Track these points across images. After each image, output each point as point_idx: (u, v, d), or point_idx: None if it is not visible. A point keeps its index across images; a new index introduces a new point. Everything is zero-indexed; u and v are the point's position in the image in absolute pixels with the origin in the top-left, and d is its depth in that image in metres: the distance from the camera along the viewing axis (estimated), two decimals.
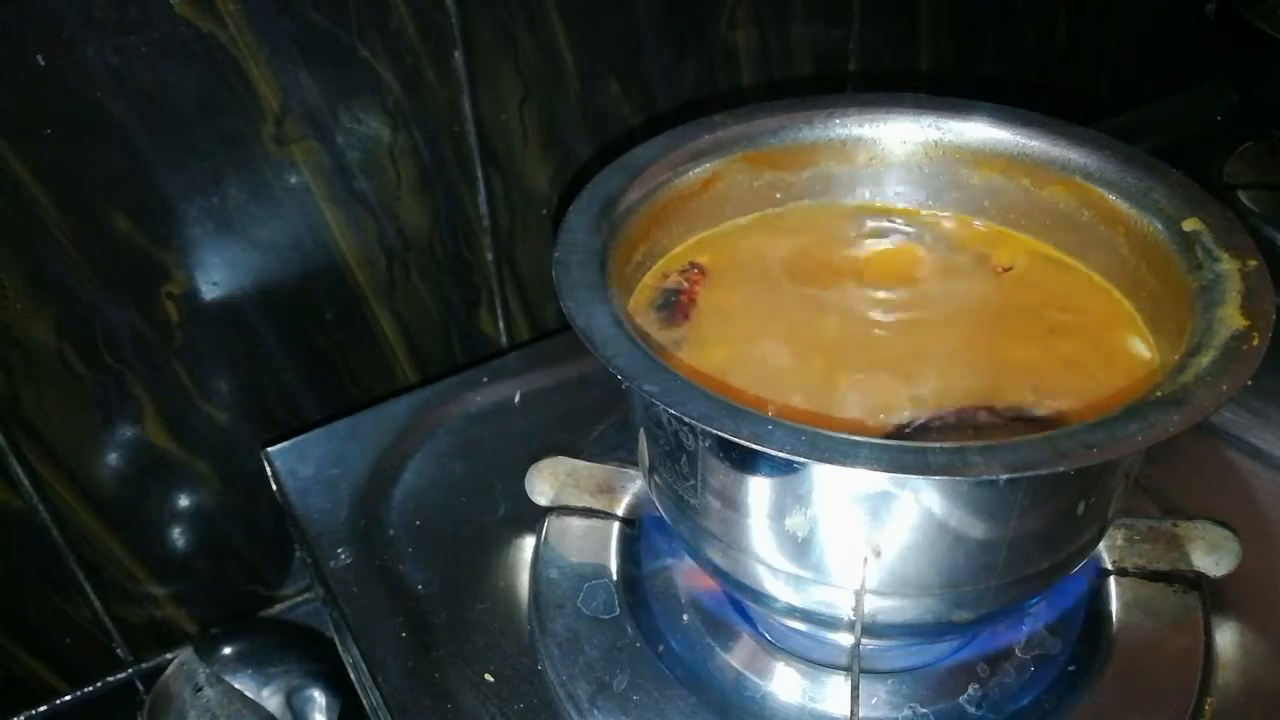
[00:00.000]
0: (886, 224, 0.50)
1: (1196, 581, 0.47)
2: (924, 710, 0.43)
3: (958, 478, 0.31)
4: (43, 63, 0.45)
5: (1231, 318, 0.37)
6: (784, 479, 0.37)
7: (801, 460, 0.32)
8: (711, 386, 0.35)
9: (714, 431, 0.33)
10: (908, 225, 0.49)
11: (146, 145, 0.49)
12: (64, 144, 0.47)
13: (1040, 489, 0.36)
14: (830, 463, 0.32)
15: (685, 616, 0.47)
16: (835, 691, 0.44)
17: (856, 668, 0.40)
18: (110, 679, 0.63)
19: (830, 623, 0.41)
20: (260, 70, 0.50)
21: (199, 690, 0.59)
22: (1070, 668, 0.44)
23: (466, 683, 0.45)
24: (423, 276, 0.61)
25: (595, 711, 0.43)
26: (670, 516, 0.43)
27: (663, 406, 0.34)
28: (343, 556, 0.51)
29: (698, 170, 0.47)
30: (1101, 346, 0.43)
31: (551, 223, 0.63)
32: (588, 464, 0.51)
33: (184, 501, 0.60)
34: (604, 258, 0.41)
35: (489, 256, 0.62)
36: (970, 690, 0.43)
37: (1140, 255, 0.44)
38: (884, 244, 0.49)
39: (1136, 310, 0.44)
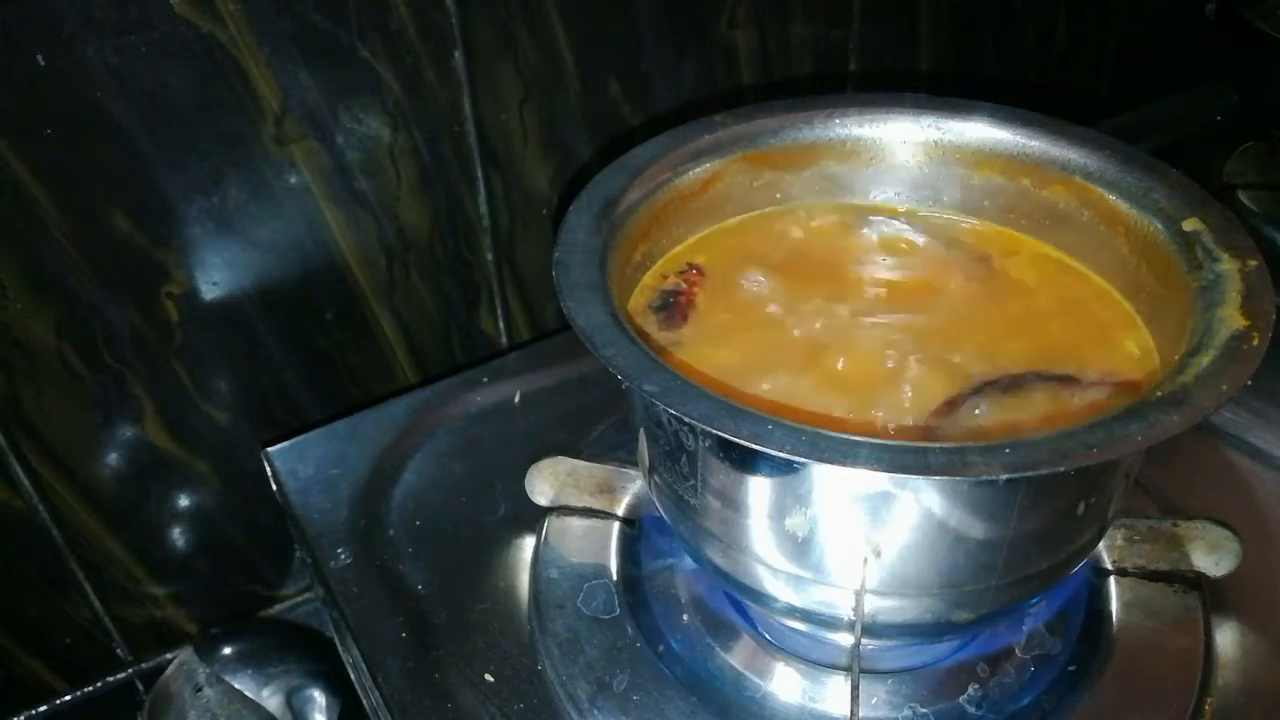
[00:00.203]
0: (886, 224, 0.50)
1: (1196, 581, 0.47)
2: (924, 710, 0.43)
3: (958, 478, 0.31)
4: (43, 63, 0.45)
5: (1231, 318, 0.37)
6: (784, 479, 0.37)
7: (801, 460, 0.32)
8: (712, 386, 0.35)
9: (714, 431, 0.33)
10: (907, 225, 0.49)
11: (147, 145, 0.49)
12: (64, 144, 0.47)
13: (1040, 489, 0.36)
14: (830, 463, 0.32)
15: (685, 616, 0.47)
16: (835, 691, 0.44)
17: (856, 668, 0.40)
18: (110, 679, 0.63)
19: (830, 623, 0.41)
20: (260, 70, 0.50)
21: (199, 690, 0.59)
22: (1070, 668, 0.44)
23: (466, 683, 0.45)
24: (423, 276, 0.61)
25: (595, 711, 0.43)
26: (670, 516, 0.43)
27: (663, 406, 0.34)
28: (343, 556, 0.51)
29: (698, 170, 0.47)
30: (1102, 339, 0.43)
31: (551, 223, 0.63)
32: (588, 464, 0.51)
33: (184, 501, 0.60)
34: (604, 258, 0.41)
35: (489, 256, 0.62)
36: (970, 690, 0.43)
37: (1140, 255, 0.44)
38: (883, 244, 0.49)
39: (1136, 310, 0.44)
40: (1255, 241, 0.39)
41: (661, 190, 0.46)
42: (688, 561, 0.48)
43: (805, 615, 0.41)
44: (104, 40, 0.46)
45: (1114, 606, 0.46)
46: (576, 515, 0.51)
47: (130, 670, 0.63)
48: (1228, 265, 0.39)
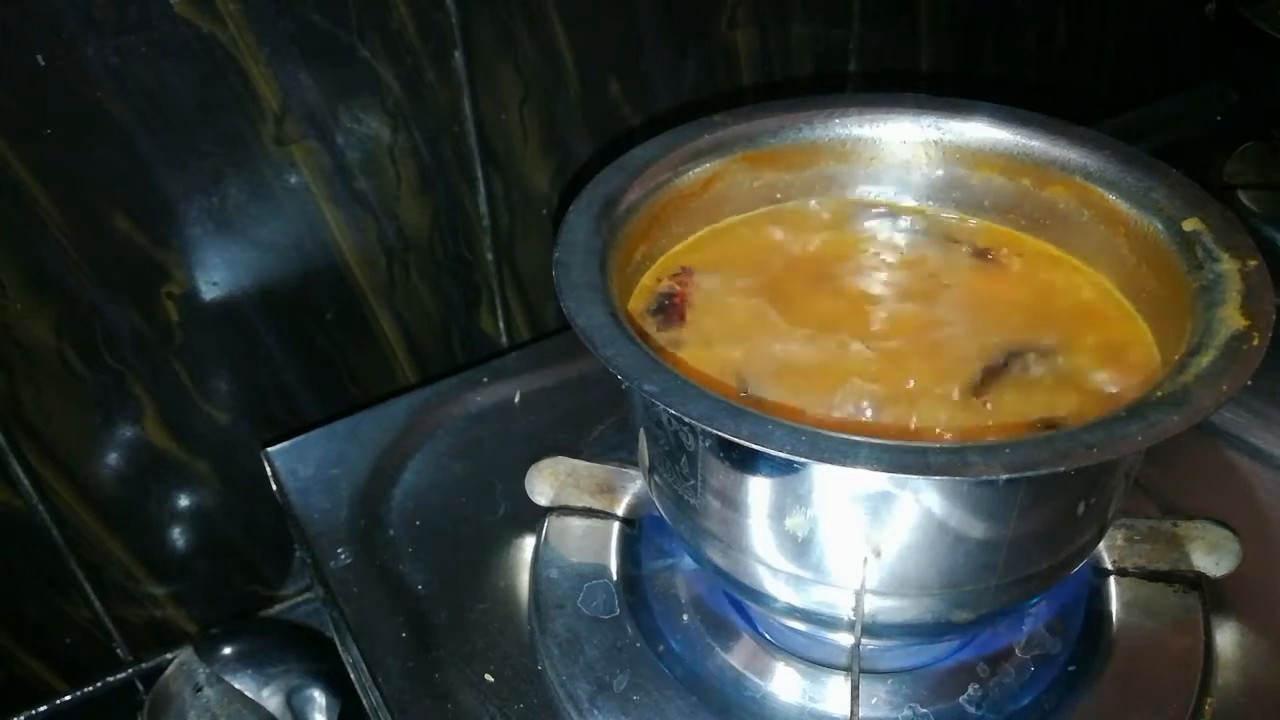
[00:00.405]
0: (885, 223, 0.50)
1: (1196, 581, 0.47)
2: (924, 710, 0.43)
3: (958, 478, 0.31)
4: (43, 63, 0.45)
5: (1231, 318, 0.37)
6: (784, 479, 0.37)
7: (801, 460, 0.32)
8: (714, 387, 0.35)
9: (714, 431, 0.33)
10: (907, 225, 0.49)
11: (146, 145, 0.49)
12: (64, 144, 0.47)
13: (1040, 489, 0.36)
14: (830, 463, 0.32)
15: (685, 616, 0.47)
16: (835, 691, 0.44)
17: (856, 668, 0.40)
18: (110, 679, 0.63)
19: (830, 623, 0.41)
20: (260, 70, 0.50)
21: (199, 690, 0.59)
22: (1070, 668, 0.44)
23: (466, 683, 0.45)
24: (423, 276, 0.61)
25: (595, 711, 0.43)
26: (670, 516, 0.43)
27: (663, 406, 0.34)
28: (343, 556, 0.51)
29: (698, 170, 0.47)
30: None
31: (551, 222, 0.63)
32: (588, 464, 0.51)
33: (184, 501, 0.60)
34: (604, 258, 0.41)
35: (489, 256, 0.62)
36: (970, 690, 0.43)
37: (1140, 255, 0.44)
38: (882, 243, 0.49)
39: (1136, 310, 0.44)
40: (1255, 241, 0.39)
41: (662, 190, 0.46)
42: (688, 561, 0.48)
43: (805, 615, 0.41)
44: (104, 40, 0.46)
45: (1114, 606, 0.46)
46: (576, 515, 0.51)
47: (130, 670, 0.63)
48: (1228, 265, 0.39)
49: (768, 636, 0.46)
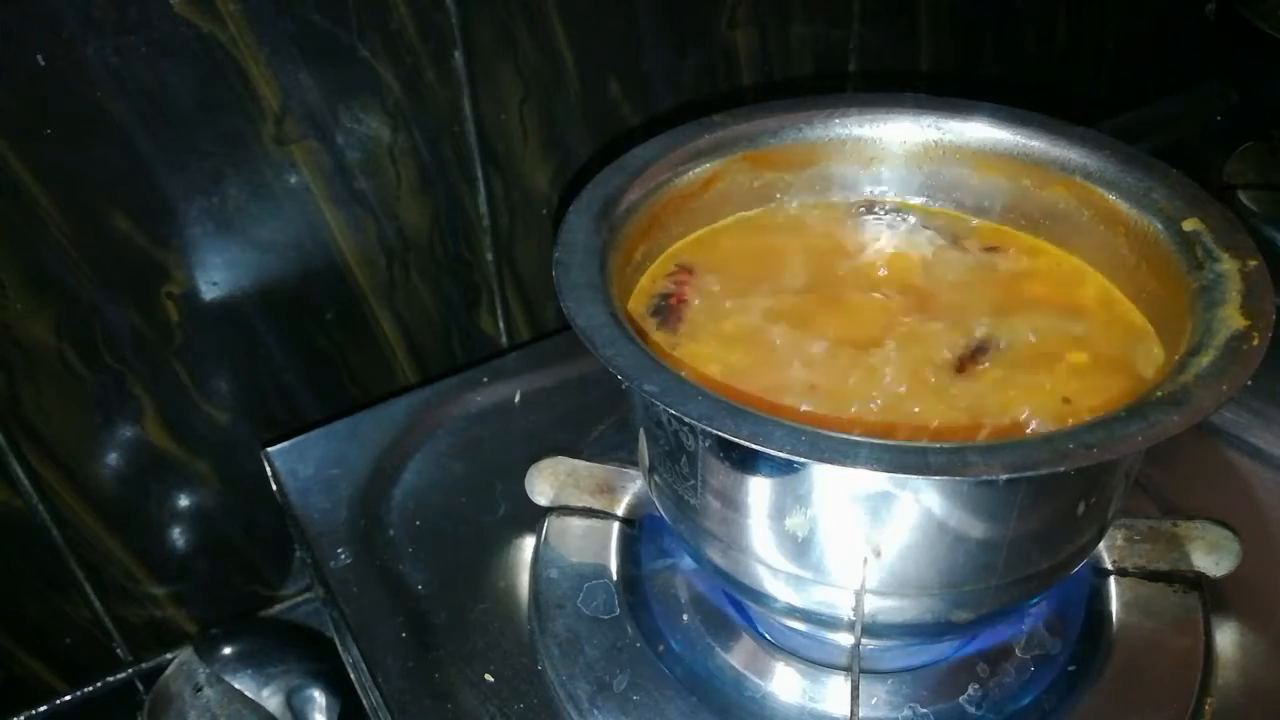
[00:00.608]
0: (886, 224, 0.50)
1: (1196, 581, 0.47)
2: (924, 710, 0.43)
3: (958, 478, 0.31)
4: (43, 63, 0.45)
5: (1231, 318, 0.37)
6: (784, 479, 0.37)
7: (801, 460, 0.32)
8: (714, 386, 0.35)
9: (714, 431, 0.33)
10: (906, 225, 0.49)
11: (146, 145, 0.49)
12: (64, 144, 0.47)
13: (1040, 489, 0.36)
14: (830, 463, 0.32)
15: (685, 616, 0.47)
16: (835, 691, 0.44)
17: (856, 668, 0.40)
18: (110, 679, 0.63)
19: (830, 623, 0.41)
20: (260, 70, 0.50)
21: (199, 690, 0.59)
22: (1070, 668, 0.44)
23: (466, 683, 0.45)
24: (423, 276, 0.61)
25: (595, 711, 0.43)
26: (670, 516, 0.43)
27: (663, 406, 0.34)
28: (343, 556, 0.51)
29: (698, 170, 0.47)
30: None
31: (551, 223, 0.63)
32: (588, 464, 0.51)
33: (184, 501, 0.60)
34: (604, 258, 0.41)
35: (489, 256, 0.62)
36: (970, 690, 0.43)
37: (1140, 255, 0.44)
38: (882, 243, 0.49)
39: (1137, 309, 0.44)
40: (1255, 241, 0.40)
41: (662, 190, 0.46)
42: (688, 561, 0.48)
43: (805, 615, 0.41)
44: (104, 40, 0.46)
45: (1114, 606, 0.46)
46: (576, 515, 0.51)
47: (130, 670, 0.63)
48: (1228, 265, 0.39)
49: (768, 636, 0.46)
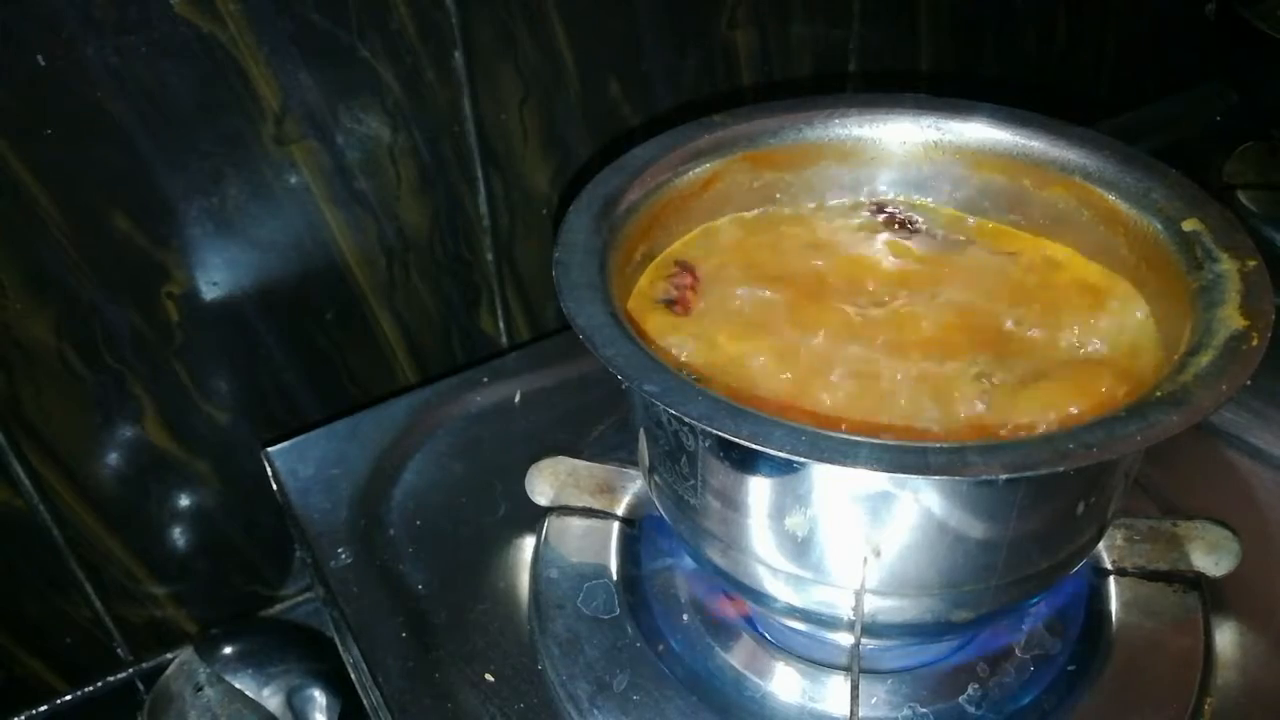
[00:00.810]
0: (885, 223, 0.50)
1: (1196, 581, 0.47)
2: (924, 710, 0.43)
3: (957, 478, 0.31)
4: (43, 63, 0.45)
5: (1231, 318, 0.37)
6: (784, 479, 0.37)
7: (801, 460, 0.32)
8: (713, 387, 0.35)
9: (714, 431, 0.33)
10: (906, 224, 0.49)
11: (147, 145, 0.49)
12: (64, 144, 0.47)
13: (1040, 489, 0.36)
14: (830, 463, 0.32)
15: (685, 616, 0.47)
16: (835, 691, 0.44)
17: (856, 667, 0.40)
18: (111, 679, 0.63)
19: (830, 622, 0.41)
20: (260, 70, 0.50)
21: (199, 690, 0.59)
22: (1070, 668, 0.44)
23: (467, 682, 0.45)
24: (423, 276, 0.61)
25: (595, 711, 0.43)
26: (670, 516, 0.43)
27: (663, 406, 0.34)
28: (343, 556, 0.51)
29: (698, 170, 0.47)
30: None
31: (551, 223, 0.63)
32: (588, 464, 0.51)
33: (184, 501, 0.60)
34: (604, 258, 0.41)
35: (489, 256, 0.62)
36: (970, 690, 0.43)
37: (1140, 255, 0.44)
38: (882, 243, 0.49)
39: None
40: (1255, 242, 0.40)
41: (661, 190, 0.46)
42: (688, 561, 0.48)
43: (805, 615, 0.41)
44: (104, 40, 0.46)
45: (1114, 606, 0.46)
46: (576, 515, 0.51)
47: (131, 670, 0.63)
48: (1227, 265, 0.39)
49: (768, 636, 0.46)
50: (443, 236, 0.60)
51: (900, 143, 0.49)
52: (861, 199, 0.50)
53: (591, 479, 0.51)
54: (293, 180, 0.54)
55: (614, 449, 0.54)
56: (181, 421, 0.57)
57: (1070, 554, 0.40)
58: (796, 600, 0.40)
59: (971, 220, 0.49)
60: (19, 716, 0.61)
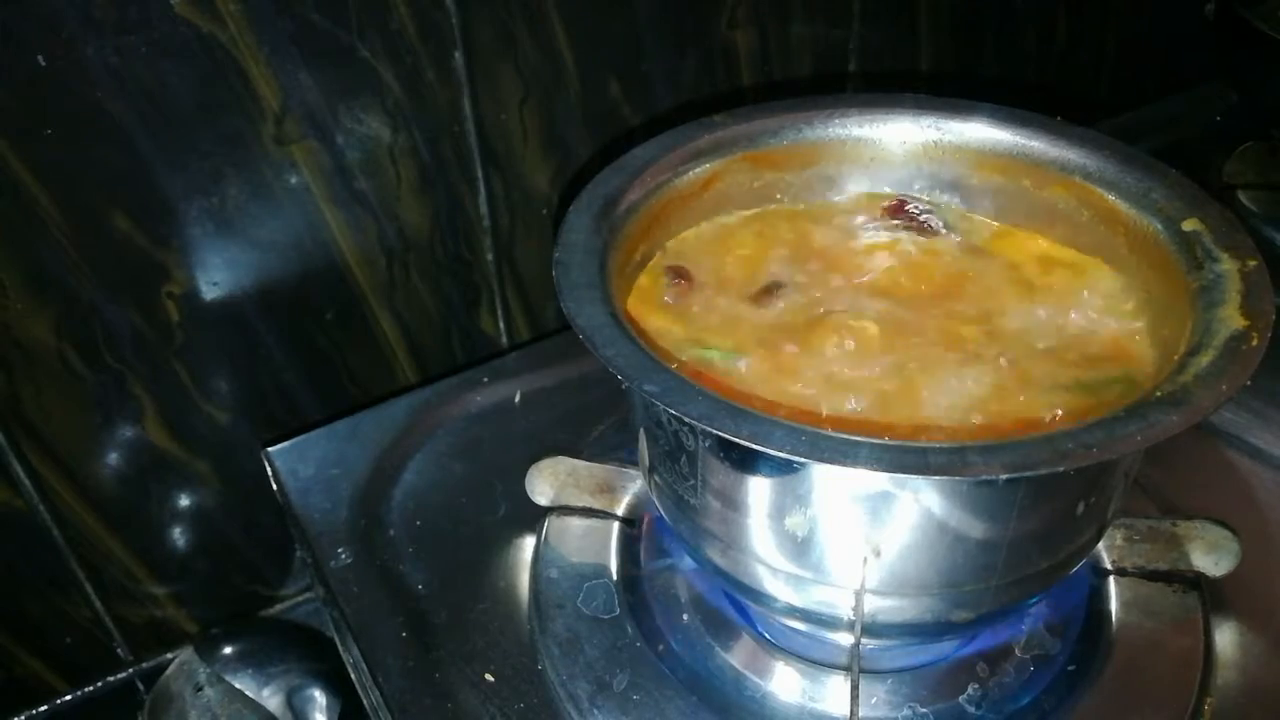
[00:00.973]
0: (884, 223, 0.50)
1: (1196, 581, 0.47)
2: (924, 710, 0.43)
3: (957, 478, 0.31)
4: (43, 63, 0.45)
5: (1231, 318, 0.37)
6: (784, 479, 0.37)
7: (801, 460, 0.32)
8: (713, 387, 0.35)
9: (714, 431, 0.33)
10: (906, 224, 0.49)
11: (147, 145, 0.49)
12: (64, 144, 0.47)
13: (1040, 489, 0.36)
14: (830, 463, 0.32)
15: (685, 616, 0.47)
16: (835, 691, 0.44)
17: (856, 667, 0.40)
18: (111, 679, 0.63)
19: (830, 622, 0.41)
20: (260, 70, 0.50)
21: (199, 690, 0.59)
22: (1070, 668, 0.44)
23: (467, 682, 0.46)
24: (423, 276, 0.61)
25: (595, 711, 0.43)
26: (670, 516, 0.43)
27: (663, 406, 0.34)
28: (343, 556, 0.51)
29: (698, 170, 0.47)
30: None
31: (551, 223, 0.63)
32: (588, 464, 0.52)
33: (184, 501, 0.60)
34: (604, 258, 0.41)
35: (489, 256, 0.62)
36: (970, 690, 0.43)
37: (1140, 255, 0.44)
38: (881, 243, 0.49)
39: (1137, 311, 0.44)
40: (1255, 242, 0.40)
41: (662, 190, 0.46)
42: (688, 561, 0.48)
43: (805, 615, 0.41)
44: (104, 40, 0.46)
45: (1113, 606, 0.46)
46: (576, 515, 0.51)
47: (131, 670, 0.63)
48: (1227, 265, 0.39)
49: (767, 636, 0.46)
50: (443, 236, 0.60)
51: (900, 143, 0.49)
52: (860, 199, 0.50)
53: (591, 479, 0.51)
54: (293, 180, 0.54)
55: (614, 449, 0.54)
56: (182, 421, 0.57)
57: (1070, 554, 0.40)
58: (796, 600, 0.40)
59: (974, 220, 0.49)
60: (19, 716, 0.61)
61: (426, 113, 0.55)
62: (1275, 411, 0.55)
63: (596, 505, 0.51)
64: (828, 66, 0.68)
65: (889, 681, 0.44)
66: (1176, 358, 0.36)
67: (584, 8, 0.57)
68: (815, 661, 0.44)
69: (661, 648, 0.46)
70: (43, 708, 0.62)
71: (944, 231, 0.48)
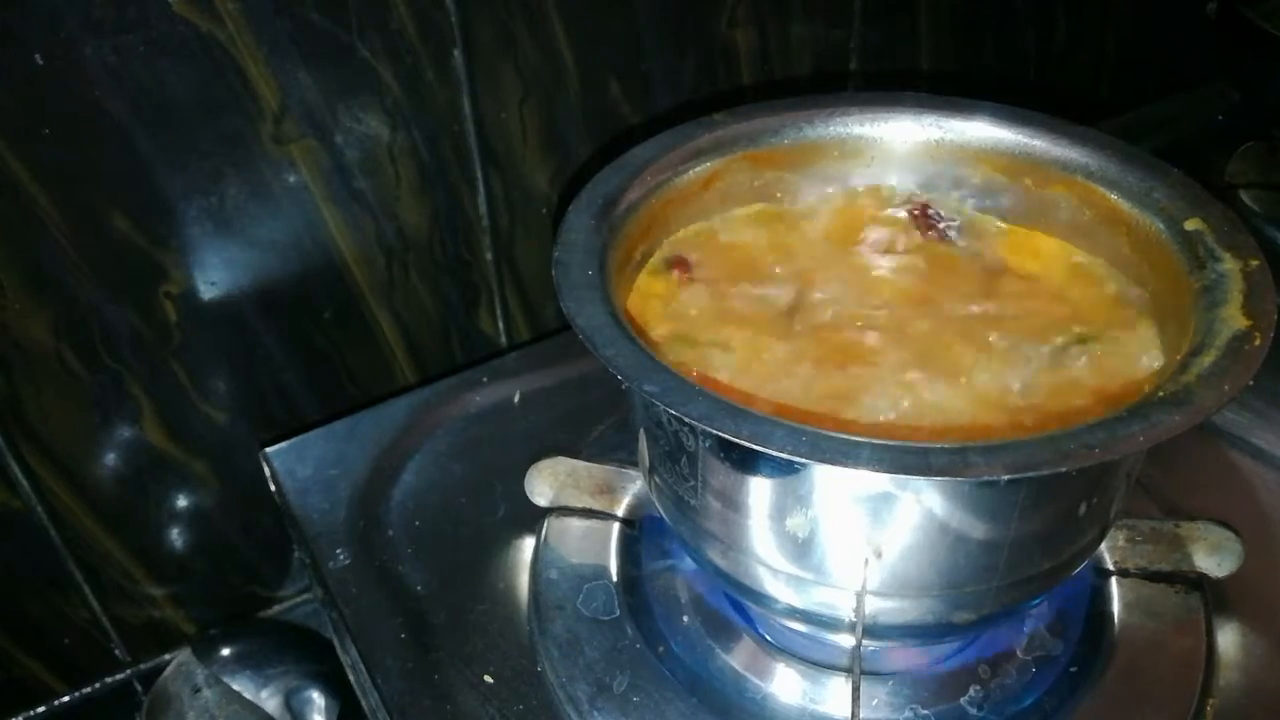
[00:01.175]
0: (885, 223, 0.49)
1: (1198, 582, 0.47)
2: (925, 711, 0.43)
3: (959, 478, 0.31)
4: (41, 62, 0.45)
5: (1233, 318, 0.37)
6: (784, 479, 0.37)
7: (802, 461, 0.32)
8: (713, 387, 0.35)
9: (714, 431, 0.33)
10: (905, 225, 0.49)
11: (145, 145, 0.49)
12: (62, 143, 0.47)
13: (1042, 490, 0.36)
14: (831, 463, 0.31)
15: (685, 618, 0.47)
16: (836, 693, 0.44)
17: (857, 669, 0.40)
18: (109, 680, 0.63)
19: (831, 624, 0.41)
20: (259, 70, 0.50)
21: (197, 691, 0.59)
22: (1072, 669, 0.44)
23: (466, 684, 0.45)
24: (422, 276, 0.61)
25: (595, 713, 0.43)
26: (670, 517, 0.43)
27: (663, 406, 0.34)
28: (341, 557, 0.51)
29: (698, 170, 0.47)
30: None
31: (551, 222, 0.63)
32: (587, 464, 0.51)
33: (182, 502, 0.60)
34: (604, 257, 0.41)
35: (488, 256, 0.62)
36: (971, 691, 0.43)
37: (1142, 255, 0.43)
38: (882, 242, 0.49)
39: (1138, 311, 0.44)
40: (1257, 241, 0.39)
41: (661, 190, 0.46)
42: (688, 562, 0.48)
43: (806, 616, 0.41)
44: (102, 40, 0.46)
45: (1116, 607, 0.46)
46: (576, 516, 0.51)
47: (129, 671, 0.63)
48: (1229, 265, 0.39)
49: (768, 638, 0.46)
50: (442, 236, 0.60)
51: (901, 142, 0.49)
52: (861, 199, 0.50)
53: (591, 479, 0.51)
54: (292, 180, 0.54)
55: (614, 449, 0.54)
56: (180, 422, 0.57)
57: (1072, 555, 0.39)
58: (797, 601, 0.40)
59: (974, 220, 0.49)
60: (17, 717, 0.61)
61: (426, 112, 0.55)
62: (1277, 412, 0.55)
63: (596, 506, 0.51)
64: (828, 65, 0.68)
65: (890, 683, 0.44)
66: (1179, 357, 0.36)
67: (584, 8, 0.57)
68: (816, 663, 0.44)
69: (662, 649, 0.45)
70: (40, 709, 0.61)
71: (959, 242, 0.48)
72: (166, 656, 0.63)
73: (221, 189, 0.52)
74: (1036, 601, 0.44)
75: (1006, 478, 0.31)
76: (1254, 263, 0.39)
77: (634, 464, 0.47)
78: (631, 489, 0.51)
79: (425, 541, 0.52)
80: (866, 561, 0.37)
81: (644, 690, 0.44)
